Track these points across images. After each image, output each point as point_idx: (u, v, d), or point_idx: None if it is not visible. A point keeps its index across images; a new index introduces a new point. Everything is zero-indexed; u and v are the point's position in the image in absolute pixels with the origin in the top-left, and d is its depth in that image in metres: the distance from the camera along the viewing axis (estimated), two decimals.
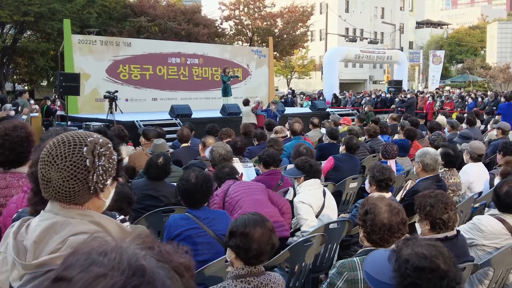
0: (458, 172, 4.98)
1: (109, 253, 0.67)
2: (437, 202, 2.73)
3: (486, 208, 3.53)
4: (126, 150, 6.47)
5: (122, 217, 2.34)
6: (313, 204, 3.86)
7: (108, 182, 1.40)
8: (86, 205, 1.40)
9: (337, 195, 5.13)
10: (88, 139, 1.36)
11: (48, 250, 1.31)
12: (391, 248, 1.76)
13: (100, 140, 1.37)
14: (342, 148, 6.15)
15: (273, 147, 5.55)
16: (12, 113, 10.26)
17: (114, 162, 1.41)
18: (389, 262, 1.65)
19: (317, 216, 3.85)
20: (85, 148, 1.33)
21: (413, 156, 6.34)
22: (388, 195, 3.81)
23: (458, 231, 2.84)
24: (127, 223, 2.44)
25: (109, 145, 1.40)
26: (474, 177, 5.01)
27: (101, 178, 1.36)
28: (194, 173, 3.23)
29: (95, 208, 1.42)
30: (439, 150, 4.82)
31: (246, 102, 12.87)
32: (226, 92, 14.24)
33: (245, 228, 2.28)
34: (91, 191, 1.36)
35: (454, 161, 4.83)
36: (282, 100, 23.18)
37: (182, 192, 3.21)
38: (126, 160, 6.02)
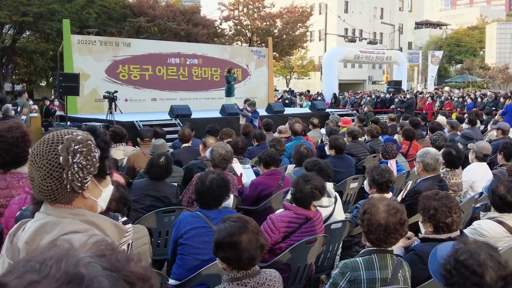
0: (462, 171, 4.97)
1: (47, 260, 0.67)
2: (441, 206, 2.70)
3: (482, 212, 3.50)
4: (125, 151, 6.45)
5: (124, 218, 2.33)
6: (322, 209, 3.84)
7: (88, 180, 1.37)
8: (75, 204, 1.38)
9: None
10: (65, 137, 1.34)
11: None
12: (460, 240, 1.81)
13: (78, 137, 1.35)
14: (331, 152, 5.89)
15: (275, 147, 5.54)
16: (13, 113, 10.24)
17: (94, 160, 1.38)
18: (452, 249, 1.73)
19: (324, 222, 3.83)
20: (60, 145, 1.32)
21: (412, 156, 6.35)
22: (388, 195, 3.81)
23: (461, 231, 2.83)
24: (130, 225, 2.43)
25: (89, 142, 1.38)
26: (478, 177, 4.99)
27: (77, 176, 1.34)
28: (211, 175, 3.22)
29: (86, 207, 1.41)
30: (442, 150, 4.82)
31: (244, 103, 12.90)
32: (229, 92, 14.19)
33: (231, 238, 2.22)
34: (68, 189, 1.34)
35: (456, 162, 4.82)
36: (280, 100, 23.17)
37: (195, 191, 3.26)
38: (125, 161, 6.01)
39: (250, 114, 11.56)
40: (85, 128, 1.54)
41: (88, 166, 1.36)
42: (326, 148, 6.08)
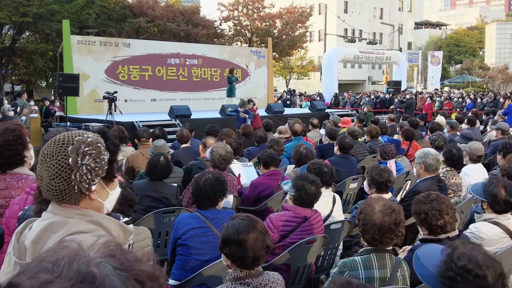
0: (459, 173, 4.97)
1: (60, 260, 0.68)
2: (431, 210, 2.69)
3: (476, 215, 3.50)
4: (125, 151, 6.45)
5: (126, 219, 2.34)
6: (321, 207, 3.85)
7: (95, 182, 1.38)
8: (82, 205, 1.39)
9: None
10: (76, 138, 1.35)
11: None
12: (448, 243, 1.81)
13: (88, 139, 1.36)
14: (336, 149, 6.07)
15: (273, 147, 5.54)
16: (11, 113, 10.24)
17: (103, 162, 1.39)
18: (441, 254, 1.70)
19: (323, 222, 3.83)
20: (70, 147, 1.33)
21: (412, 156, 6.35)
22: (388, 196, 3.82)
23: (460, 231, 2.83)
24: (131, 226, 2.43)
25: (99, 144, 1.38)
26: (475, 178, 5.00)
27: (85, 178, 1.34)
28: (206, 176, 3.24)
29: (93, 209, 1.42)
30: (444, 150, 4.83)
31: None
32: (231, 93, 14.20)
33: (238, 235, 2.24)
34: (76, 190, 1.35)
35: (456, 160, 4.81)
36: (279, 101, 23.17)
37: (192, 191, 3.31)
38: (124, 162, 6.01)
39: (247, 116, 11.70)
40: (95, 130, 1.55)
41: (97, 169, 1.37)
42: (335, 147, 6.19)
